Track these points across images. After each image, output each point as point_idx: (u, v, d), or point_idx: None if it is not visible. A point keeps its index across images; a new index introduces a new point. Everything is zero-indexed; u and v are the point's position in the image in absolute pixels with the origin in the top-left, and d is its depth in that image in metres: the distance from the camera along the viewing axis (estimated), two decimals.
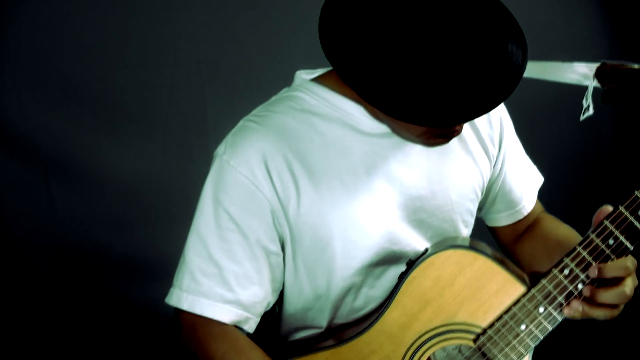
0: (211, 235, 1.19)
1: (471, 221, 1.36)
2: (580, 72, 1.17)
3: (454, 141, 1.27)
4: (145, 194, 2.37)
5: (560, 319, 1.15)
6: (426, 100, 1.02)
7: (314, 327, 1.31)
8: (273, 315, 1.34)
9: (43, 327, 2.41)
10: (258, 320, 1.24)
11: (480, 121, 1.32)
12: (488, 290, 1.17)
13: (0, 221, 2.35)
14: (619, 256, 1.11)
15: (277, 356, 1.23)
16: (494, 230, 1.50)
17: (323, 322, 1.30)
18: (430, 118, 1.03)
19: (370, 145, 1.21)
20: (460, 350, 1.25)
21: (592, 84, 1.14)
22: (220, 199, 1.19)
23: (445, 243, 1.23)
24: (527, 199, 1.44)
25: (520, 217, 1.45)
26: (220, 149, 1.21)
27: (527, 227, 1.46)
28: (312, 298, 1.27)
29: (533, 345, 1.16)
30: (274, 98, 1.27)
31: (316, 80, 1.24)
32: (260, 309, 1.23)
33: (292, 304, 1.29)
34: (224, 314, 1.19)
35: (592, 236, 1.12)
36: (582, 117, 1.16)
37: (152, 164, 2.39)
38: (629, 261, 1.11)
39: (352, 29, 1.05)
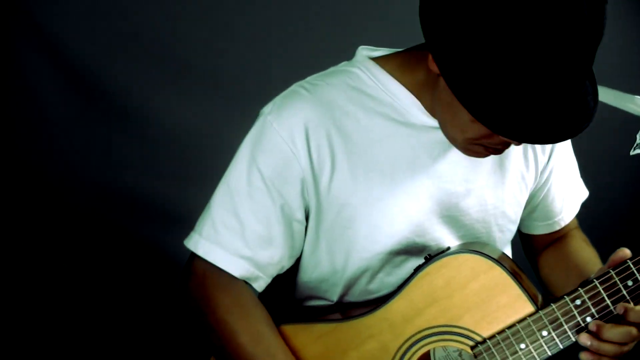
0: (240, 191, 1.22)
1: (509, 227, 1.35)
2: None
3: None
4: (196, 149, 2.46)
5: (561, 346, 1.14)
6: (504, 107, 1.01)
7: (325, 299, 1.34)
8: (291, 279, 1.37)
9: (77, 266, 2.50)
10: (269, 281, 1.27)
11: None
12: (497, 302, 1.17)
13: (56, 153, 2.46)
14: (633, 298, 1.11)
15: (282, 318, 1.26)
16: (526, 236, 1.49)
17: (334, 297, 1.32)
18: (499, 125, 1.02)
19: (416, 138, 1.22)
20: (460, 354, 1.26)
21: None
22: (256, 157, 1.22)
23: (469, 247, 1.23)
24: (567, 211, 1.43)
25: (557, 228, 1.44)
26: (267, 108, 1.24)
27: (557, 238, 1.45)
28: (327, 271, 1.29)
29: None
30: (331, 69, 1.29)
31: (377, 60, 1.25)
32: (273, 271, 1.27)
33: (308, 273, 1.32)
34: (236, 267, 1.23)
35: (612, 273, 1.12)
36: (632, 152, 1.16)
37: (205, 120, 2.50)
38: None
39: (457, 16, 1.02)
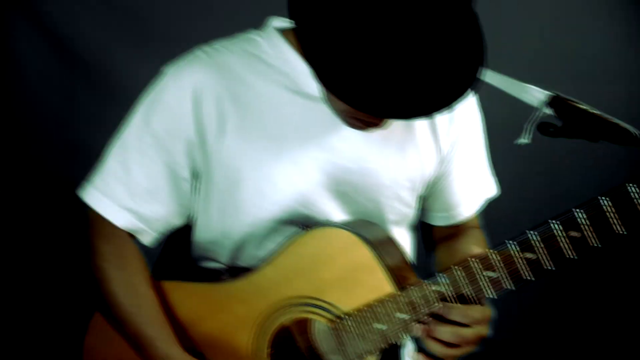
0: (131, 144, 1.26)
1: (404, 210, 1.36)
2: (535, 97, 1.16)
3: (400, 127, 1.28)
4: None
5: (415, 333, 1.16)
6: (356, 80, 1.03)
7: (216, 261, 1.36)
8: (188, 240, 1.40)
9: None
10: (157, 236, 1.31)
11: (441, 117, 1.31)
12: (361, 282, 1.18)
13: (24, 107, 2.50)
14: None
15: (167, 274, 1.30)
16: (425, 226, 1.49)
17: (224, 259, 1.34)
18: (350, 97, 1.04)
19: (310, 109, 1.23)
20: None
21: (539, 112, 1.13)
22: (149, 113, 1.25)
23: (347, 223, 1.25)
24: (465, 206, 1.43)
25: (453, 222, 1.44)
26: (167, 68, 1.27)
27: (453, 233, 1.45)
28: (217, 233, 1.32)
29: (383, 346, 1.18)
30: (237, 35, 1.31)
31: (283, 32, 1.27)
32: (160, 227, 1.30)
33: (201, 233, 1.34)
34: (119, 218, 1.26)
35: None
36: (518, 141, 1.15)
37: None
38: (478, 311, 1.11)
39: None
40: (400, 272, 1.20)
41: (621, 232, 1.02)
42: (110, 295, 1.25)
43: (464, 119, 1.35)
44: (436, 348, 1.13)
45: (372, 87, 1.02)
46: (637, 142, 1.03)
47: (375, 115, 1.09)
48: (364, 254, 1.18)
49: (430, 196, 1.42)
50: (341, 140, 1.26)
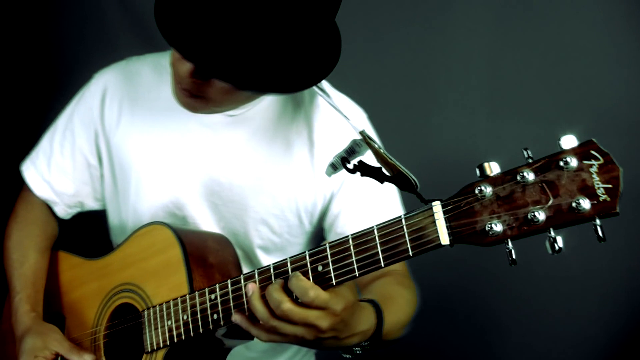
0: (59, 127, 1.49)
1: (270, 237, 1.38)
2: (353, 129, 1.15)
3: (278, 156, 1.32)
4: None
5: (200, 330, 1.18)
6: (178, 18, 1.08)
7: None
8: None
9: None
10: (70, 210, 1.51)
11: (329, 150, 1.31)
12: (168, 279, 1.25)
13: None
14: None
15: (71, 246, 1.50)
16: None
17: None
18: (168, 32, 1.08)
19: (197, 121, 1.33)
20: None
21: (350, 145, 1.12)
22: (77, 103, 1.47)
23: (182, 228, 1.33)
24: None
25: None
26: (97, 72, 1.47)
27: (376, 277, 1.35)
28: (119, 221, 1.48)
29: (169, 342, 1.22)
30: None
31: None
32: (71, 203, 1.50)
33: (111, 219, 1.52)
34: (37, 187, 1.49)
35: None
36: (326, 172, 1.13)
37: None
38: (324, 296, 1.02)
39: None
40: (197, 271, 1.24)
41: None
42: (5, 249, 1.48)
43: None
44: (255, 332, 1.09)
45: (188, 24, 1.07)
46: (413, 189, 1.01)
47: (182, 53, 1.08)
48: (175, 255, 1.25)
49: (329, 232, 1.41)
50: (220, 155, 1.34)
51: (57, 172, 1.47)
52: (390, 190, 1.37)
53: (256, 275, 1.11)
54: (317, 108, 1.36)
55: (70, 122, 1.46)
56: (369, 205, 1.36)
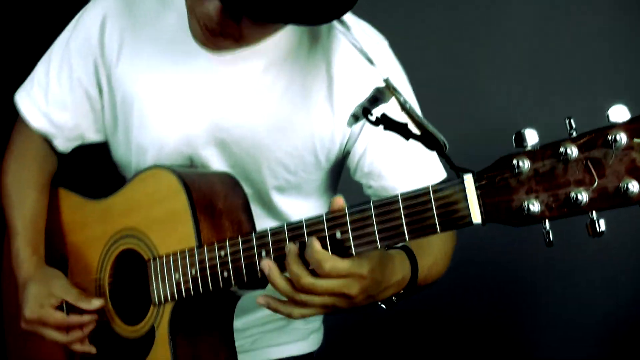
0: (55, 57, 1.38)
1: (285, 176, 1.30)
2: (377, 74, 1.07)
3: (294, 92, 1.24)
4: None
5: (200, 290, 1.14)
6: None
7: None
8: None
9: None
10: (70, 144, 1.43)
11: (350, 87, 1.24)
12: (174, 230, 1.19)
13: None
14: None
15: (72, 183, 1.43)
16: None
17: None
18: None
19: (204, 56, 1.23)
20: None
21: (372, 93, 1.03)
22: (72, 32, 1.37)
23: (188, 171, 1.25)
24: (393, 179, 1.27)
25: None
26: None
27: None
28: (123, 158, 1.40)
29: (177, 296, 1.18)
30: None
31: None
32: (70, 135, 1.41)
33: (114, 153, 1.43)
34: (34, 120, 1.40)
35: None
36: (347, 124, 1.06)
37: None
38: (339, 264, 0.96)
39: None
40: (204, 222, 1.17)
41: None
42: (2, 187, 1.41)
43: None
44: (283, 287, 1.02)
45: None
46: (441, 151, 0.94)
47: None
48: (181, 204, 1.18)
49: (358, 177, 1.32)
50: (231, 89, 1.25)
51: (55, 104, 1.39)
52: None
53: (269, 236, 1.05)
54: (336, 42, 1.25)
55: (66, 51, 1.36)
56: (394, 140, 1.27)
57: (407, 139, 0.98)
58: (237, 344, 1.26)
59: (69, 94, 1.37)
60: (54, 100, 1.38)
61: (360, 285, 0.98)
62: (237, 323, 1.29)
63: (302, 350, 1.53)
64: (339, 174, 1.39)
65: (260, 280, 1.08)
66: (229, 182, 1.26)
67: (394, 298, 1.10)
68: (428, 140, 0.96)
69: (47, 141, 1.43)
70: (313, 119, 1.26)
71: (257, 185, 1.32)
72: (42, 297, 1.27)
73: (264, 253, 1.06)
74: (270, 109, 1.26)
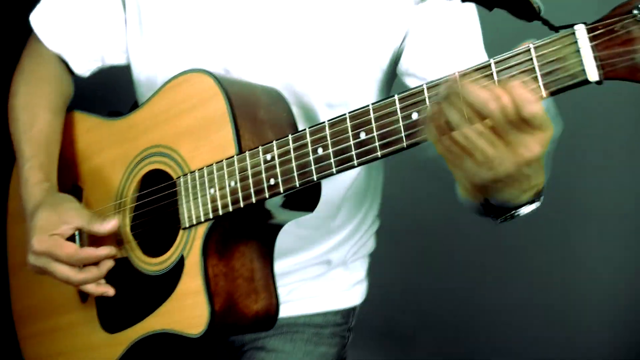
0: None
1: (336, 90, 1.15)
2: None
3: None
4: None
5: (241, 204, 0.98)
6: None
7: None
8: None
9: None
10: (88, 66, 1.27)
11: None
12: (208, 138, 1.02)
13: None
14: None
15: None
16: None
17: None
18: None
19: None
20: None
21: None
22: None
23: (226, 77, 1.09)
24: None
25: None
26: None
27: None
28: (149, 73, 1.23)
29: (212, 215, 1.01)
30: None
31: None
32: (90, 56, 1.26)
33: (136, 74, 1.26)
34: (50, 38, 1.25)
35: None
36: None
37: None
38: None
39: None
40: (246, 128, 1.01)
41: None
42: (10, 109, 1.24)
43: None
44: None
45: None
46: (535, 14, 0.79)
47: None
48: (219, 108, 1.02)
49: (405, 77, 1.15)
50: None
51: (73, 21, 1.23)
52: (473, 25, 1.13)
53: (327, 128, 0.89)
54: None
55: None
56: (449, 42, 1.12)
57: (491, 8, 0.83)
58: None
59: (90, 13, 1.23)
60: (71, 16, 1.23)
61: (542, 149, 0.75)
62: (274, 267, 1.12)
63: (344, 304, 1.36)
64: (390, 86, 1.22)
65: (311, 191, 0.93)
66: (274, 94, 1.10)
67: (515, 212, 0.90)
68: (515, 4, 0.81)
69: (63, 62, 1.27)
70: (368, 25, 1.11)
71: (305, 102, 1.15)
72: (52, 225, 1.09)
73: (415, 115, 0.82)
74: (319, 18, 1.11)
